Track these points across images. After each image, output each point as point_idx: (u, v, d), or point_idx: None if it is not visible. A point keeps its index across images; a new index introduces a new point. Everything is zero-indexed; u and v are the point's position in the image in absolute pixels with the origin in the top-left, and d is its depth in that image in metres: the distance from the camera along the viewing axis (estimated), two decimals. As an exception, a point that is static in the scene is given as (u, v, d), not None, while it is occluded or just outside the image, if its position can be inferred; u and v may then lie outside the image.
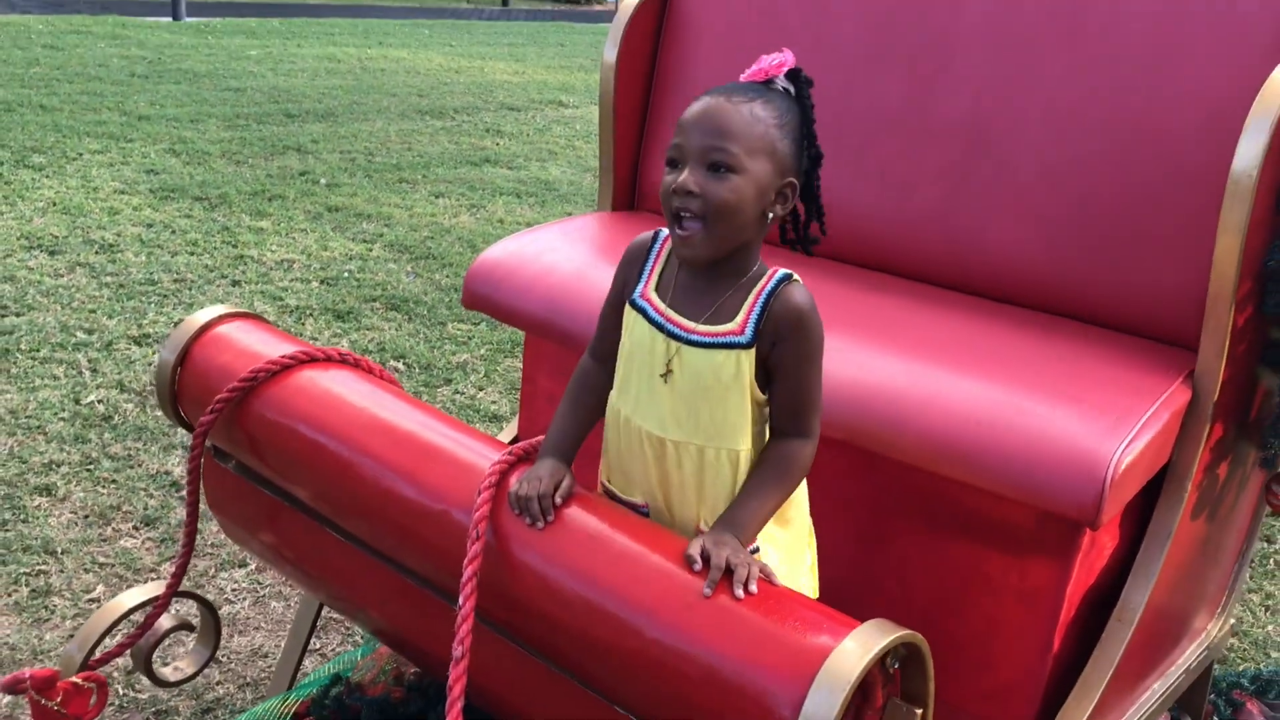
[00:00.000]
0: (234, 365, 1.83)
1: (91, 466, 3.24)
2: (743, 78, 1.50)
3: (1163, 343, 1.96)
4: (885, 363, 1.86)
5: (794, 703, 1.20)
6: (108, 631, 1.89)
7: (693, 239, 1.42)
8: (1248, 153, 1.73)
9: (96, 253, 5.07)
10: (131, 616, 1.96)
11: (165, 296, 4.61)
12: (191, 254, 5.19)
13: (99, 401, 3.63)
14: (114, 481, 3.18)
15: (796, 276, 1.50)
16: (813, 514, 1.74)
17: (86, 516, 3.00)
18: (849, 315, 2.00)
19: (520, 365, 4.26)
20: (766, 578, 1.37)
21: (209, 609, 2.06)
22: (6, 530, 2.90)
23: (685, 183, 1.40)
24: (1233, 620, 2.38)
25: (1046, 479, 1.63)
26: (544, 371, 2.39)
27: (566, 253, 2.26)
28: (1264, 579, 3.22)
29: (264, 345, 1.85)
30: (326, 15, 16.09)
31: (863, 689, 1.26)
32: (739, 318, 1.47)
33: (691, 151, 1.41)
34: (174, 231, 5.48)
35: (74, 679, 1.75)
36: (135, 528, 2.98)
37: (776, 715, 1.22)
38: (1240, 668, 2.76)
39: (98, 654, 1.89)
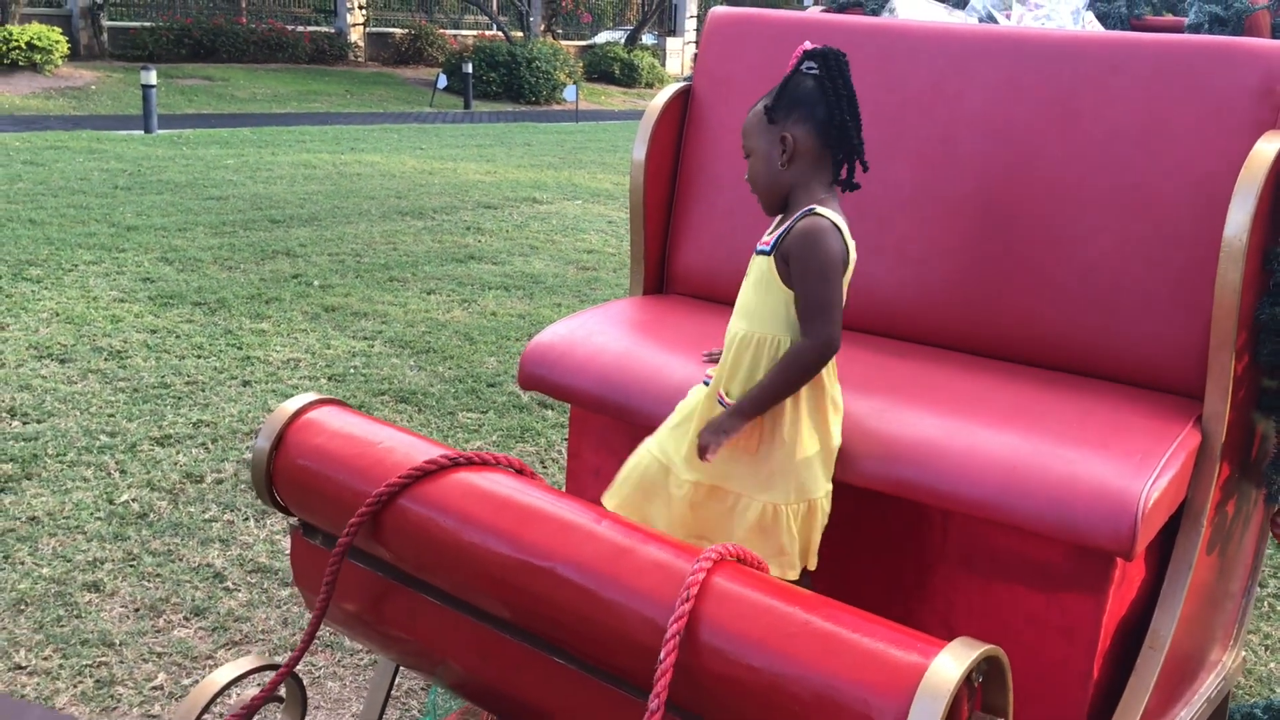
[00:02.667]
0: (329, 448, 1.97)
1: (134, 562, 3.34)
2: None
3: (1167, 392, 2.16)
4: (922, 420, 2.04)
5: (899, 715, 1.35)
6: (208, 706, 2.00)
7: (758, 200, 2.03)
8: (1237, 219, 1.95)
9: (106, 359, 5.19)
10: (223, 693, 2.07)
11: (180, 399, 4.73)
12: (199, 357, 5.32)
13: (133, 500, 3.73)
14: (158, 575, 3.28)
15: (821, 210, 1.91)
16: (861, 562, 1.93)
17: (137, 610, 3.10)
18: (883, 380, 2.19)
19: (531, 449, 4.42)
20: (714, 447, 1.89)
21: (297, 682, 2.17)
22: (63, 625, 2.99)
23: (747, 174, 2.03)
24: (1244, 652, 2.55)
25: (1084, 516, 1.81)
26: (590, 445, 2.55)
27: (612, 335, 2.44)
28: (1261, 620, 3.40)
29: (359, 429, 2.00)
30: (295, 124, 16.40)
31: (952, 704, 1.41)
32: (774, 235, 1.95)
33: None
34: (178, 336, 5.62)
35: (190, 749, 1.85)
36: (186, 618, 3.08)
37: (882, 727, 1.37)
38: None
39: (199, 727, 1.99)
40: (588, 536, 1.69)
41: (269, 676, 2.06)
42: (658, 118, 2.66)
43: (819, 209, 1.92)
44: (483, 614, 1.83)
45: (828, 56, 1.94)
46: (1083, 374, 2.25)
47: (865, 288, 2.46)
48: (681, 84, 2.73)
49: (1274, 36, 2.38)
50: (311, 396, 2.08)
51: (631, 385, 2.27)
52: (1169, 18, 2.64)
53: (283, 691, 2.21)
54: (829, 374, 1.96)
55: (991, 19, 2.61)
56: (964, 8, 2.69)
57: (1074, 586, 1.95)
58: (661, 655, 1.49)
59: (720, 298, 2.60)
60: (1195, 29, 2.44)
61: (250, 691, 2.14)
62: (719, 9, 2.77)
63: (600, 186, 11.84)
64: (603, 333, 2.45)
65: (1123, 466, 1.86)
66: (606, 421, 2.45)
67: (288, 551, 3.45)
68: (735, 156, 2.64)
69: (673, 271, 2.76)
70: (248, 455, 4.16)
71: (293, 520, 2.14)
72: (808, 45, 1.96)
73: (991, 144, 2.34)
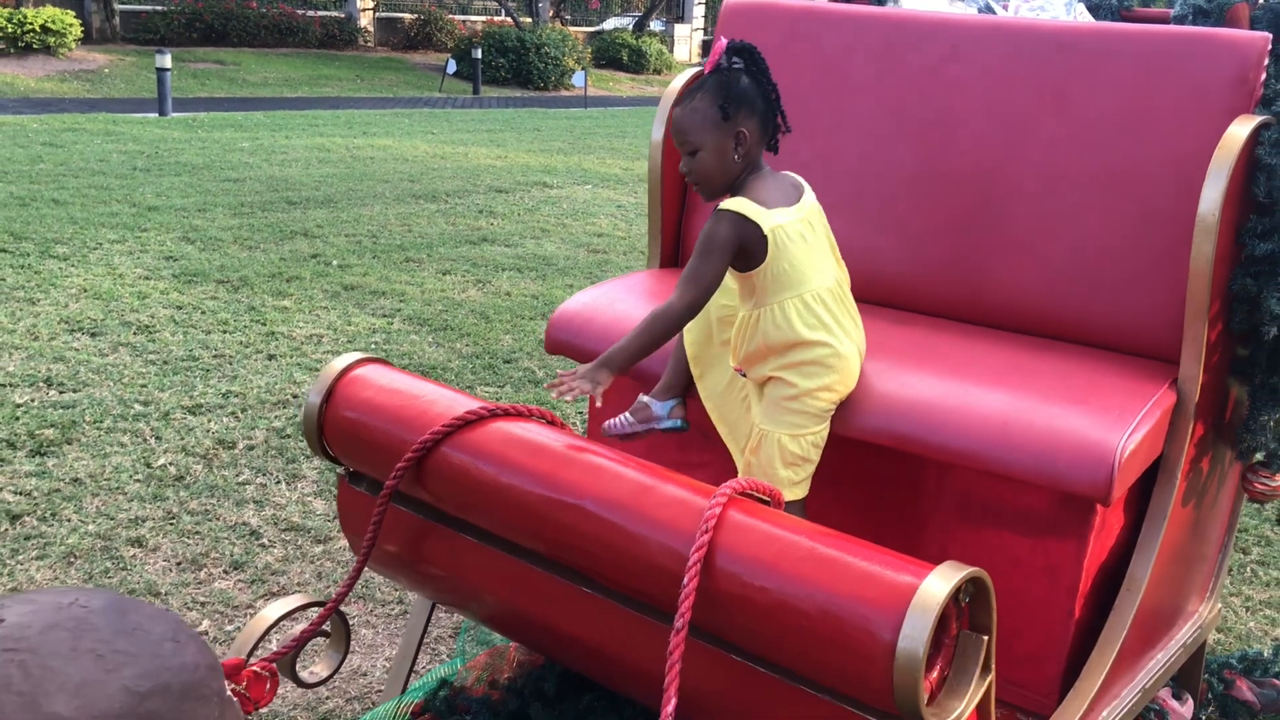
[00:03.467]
0: (377, 401, 2.15)
1: (174, 521, 3.53)
2: (705, 69, 2.13)
3: (1145, 357, 2.33)
4: (921, 381, 2.22)
5: (894, 627, 1.53)
6: (263, 637, 2.19)
7: (700, 194, 2.20)
8: (1210, 196, 2.12)
9: (135, 334, 5.38)
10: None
11: (209, 371, 4.92)
12: (225, 332, 5.51)
13: (169, 464, 3.92)
14: (198, 533, 3.47)
15: (729, 206, 2.08)
16: (862, 512, 2.12)
17: (180, 563, 3.29)
18: (884, 345, 2.36)
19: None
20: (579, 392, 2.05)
21: (341, 619, 2.35)
22: (110, 577, 3.18)
23: (681, 167, 2.17)
24: (1220, 604, 2.73)
25: (1066, 465, 1.99)
26: (609, 405, 2.73)
27: (632, 303, 2.61)
28: (1242, 584, 3.58)
29: (403, 384, 2.18)
30: (306, 108, 16.57)
31: (941, 621, 1.59)
32: None
33: (679, 148, 2.15)
34: (203, 312, 5.80)
35: (253, 667, 2.04)
36: (225, 571, 3.27)
37: (880, 639, 1.54)
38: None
39: (254, 659, 2.18)
40: (615, 476, 1.87)
41: (314, 614, 2.25)
42: (674, 102, 2.83)
43: (730, 203, 2.09)
44: (518, 549, 2.01)
45: (750, 50, 2.11)
46: (1068, 340, 2.42)
47: (869, 261, 2.64)
48: (697, 68, 2.89)
49: (1253, 28, 2.54)
50: (358, 355, 2.26)
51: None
52: (1156, 9, 2.80)
53: (328, 627, 2.40)
54: (808, 329, 2.14)
55: (990, 9, 2.78)
56: (965, 0, 2.86)
57: (1058, 532, 2.13)
58: (685, 580, 1.67)
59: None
60: (1180, 20, 2.60)
61: (298, 628, 2.32)
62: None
63: (609, 172, 12.00)
64: (623, 301, 2.63)
65: (1102, 421, 2.04)
66: (624, 382, 2.62)
67: (318, 512, 3.65)
68: (748, 138, 2.81)
69: (686, 246, 2.93)
70: (277, 424, 4.35)
71: (339, 470, 2.33)
72: (724, 41, 2.11)
73: (988, 127, 2.51)
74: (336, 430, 2.21)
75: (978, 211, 2.51)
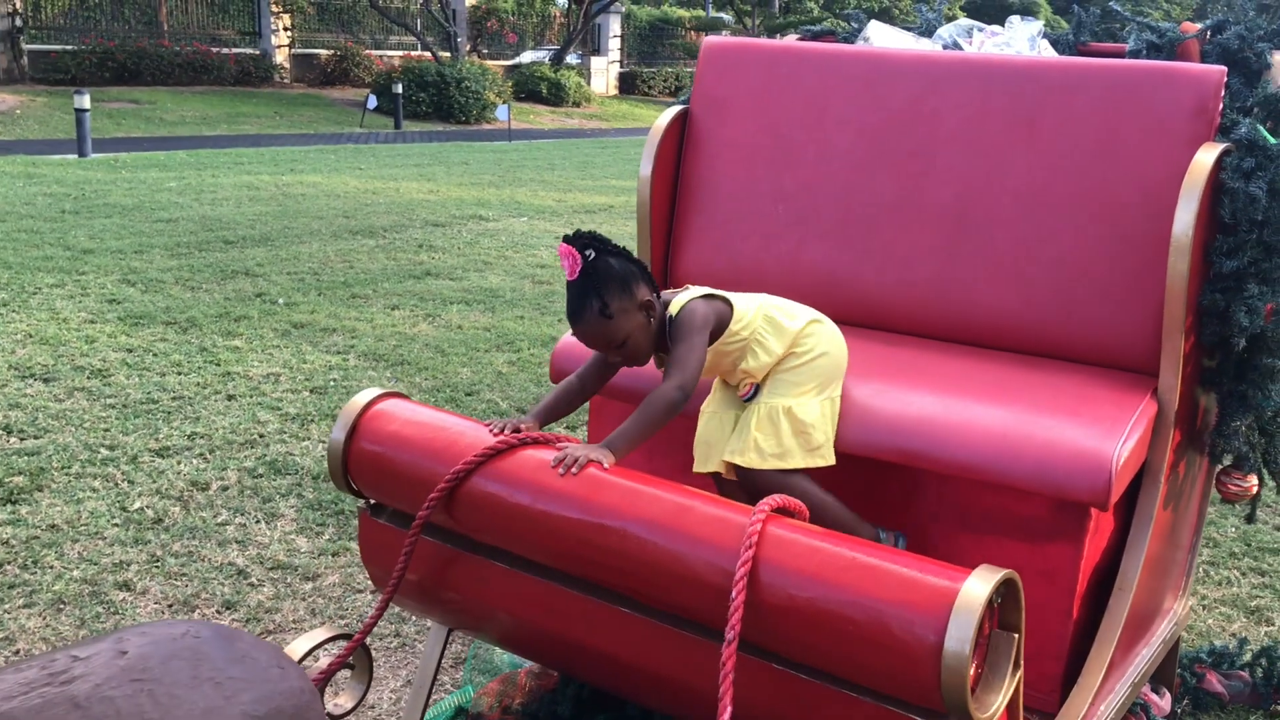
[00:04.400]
0: (403, 434, 2.21)
1: (159, 563, 3.52)
2: (567, 276, 2.18)
3: (1124, 370, 2.48)
4: (918, 398, 2.34)
5: (939, 629, 1.64)
6: (292, 670, 2.23)
7: (638, 364, 2.30)
8: (1183, 219, 2.28)
9: (88, 378, 5.32)
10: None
11: (170, 413, 4.89)
12: (179, 374, 5.47)
13: (146, 507, 3.91)
14: (184, 574, 3.46)
15: (683, 300, 2.27)
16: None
17: (171, 605, 3.28)
18: (878, 365, 2.48)
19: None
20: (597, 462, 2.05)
21: (365, 650, 2.40)
22: (103, 621, 3.17)
23: (612, 359, 2.30)
24: (1192, 601, 2.89)
25: (1065, 473, 2.12)
26: (609, 429, 2.81)
27: (631, 333, 2.70)
28: (1197, 584, 3.76)
29: (427, 417, 2.24)
30: (228, 146, 16.42)
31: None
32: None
33: (606, 349, 2.26)
34: (155, 354, 5.76)
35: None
36: (218, 611, 3.27)
37: (926, 641, 1.65)
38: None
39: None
40: (652, 499, 1.96)
41: (338, 646, 2.30)
42: (661, 137, 2.93)
43: (682, 298, 2.28)
44: (552, 573, 2.08)
45: (588, 235, 2.20)
46: (1049, 356, 2.56)
47: (854, 285, 2.77)
48: (680, 106, 3.01)
49: (1202, 61, 2.72)
50: (377, 391, 2.32)
51: (644, 376, 2.52)
52: (1111, 45, 2.97)
53: (351, 659, 2.44)
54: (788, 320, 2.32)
55: (956, 46, 2.93)
56: (930, 36, 3.01)
57: (1055, 537, 2.26)
58: (733, 594, 1.76)
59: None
60: (1135, 54, 2.78)
61: (322, 661, 2.36)
62: (713, 39, 3.06)
63: (543, 204, 12.09)
64: (622, 331, 2.71)
65: (1095, 431, 2.17)
66: (624, 408, 2.71)
67: (303, 549, 3.66)
68: (731, 171, 2.93)
69: (676, 274, 3.03)
70: (247, 464, 4.35)
71: (360, 504, 2.38)
72: (564, 243, 2.18)
73: (965, 156, 2.65)
74: (362, 464, 2.26)
75: (958, 236, 2.65)
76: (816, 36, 3.27)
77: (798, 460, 2.24)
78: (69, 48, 21.91)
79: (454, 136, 20.93)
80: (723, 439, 2.37)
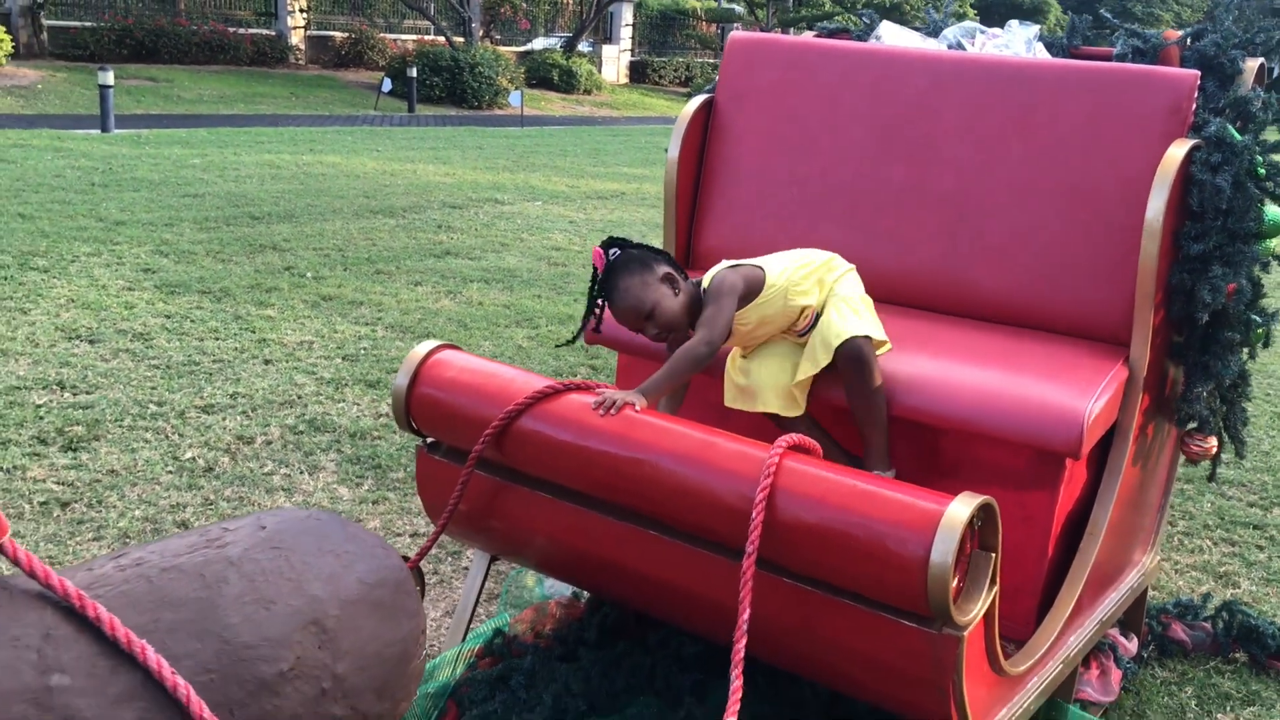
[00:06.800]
0: (460, 379, 2.51)
1: (213, 506, 3.83)
2: (599, 272, 2.57)
3: (1101, 341, 2.77)
4: (920, 362, 2.63)
5: (926, 544, 1.93)
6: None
7: (678, 336, 2.57)
8: (1155, 206, 2.57)
9: (131, 340, 5.62)
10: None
11: (211, 374, 5.19)
12: (217, 339, 5.77)
13: (197, 457, 4.21)
14: (238, 515, 3.76)
15: (713, 274, 2.58)
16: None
17: (227, 543, 3.58)
18: (886, 333, 2.77)
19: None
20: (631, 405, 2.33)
21: (419, 573, 2.69)
22: (166, 555, 3.47)
23: (649, 334, 2.58)
24: (1160, 557, 3.18)
25: (1045, 426, 2.41)
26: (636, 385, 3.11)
27: (658, 299, 2.99)
28: (1172, 551, 4.06)
29: (481, 365, 2.54)
30: (246, 125, 16.70)
31: (959, 541, 1.99)
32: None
33: (636, 325, 2.56)
34: (193, 321, 6.06)
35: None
36: (270, 550, 3.57)
37: (914, 554, 1.94)
38: (1163, 608, 3.56)
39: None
40: (680, 435, 2.25)
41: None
42: (688, 123, 3.22)
43: (710, 274, 2.60)
44: (591, 500, 2.38)
45: (615, 239, 2.58)
46: (1036, 328, 2.85)
47: (864, 264, 3.04)
48: (706, 95, 3.30)
49: (1182, 66, 3.01)
50: (435, 342, 2.62)
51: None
52: (1100, 48, 3.26)
53: (406, 581, 2.73)
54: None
55: (960, 46, 3.22)
56: (937, 36, 3.30)
57: (1033, 485, 2.55)
58: (753, 515, 2.06)
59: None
60: (1121, 58, 3.07)
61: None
62: (738, 34, 3.35)
63: (556, 189, 12.38)
64: (651, 298, 3.00)
65: (1071, 390, 2.47)
66: (651, 365, 3.00)
67: (345, 497, 3.96)
68: (753, 156, 3.22)
69: (698, 250, 3.32)
70: (288, 421, 4.65)
71: (419, 443, 2.67)
72: (599, 249, 2.57)
73: (965, 149, 2.94)
74: (423, 406, 2.56)
75: (958, 221, 2.94)
76: (832, 34, 3.56)
77: (877, 330, 2.57)
78: (88, 24, 22.19)
79: (466, 121, 21.19)
80: (781, 378, 2.66)
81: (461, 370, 2.55)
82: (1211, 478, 3.09)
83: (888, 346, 2.61)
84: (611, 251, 2.56)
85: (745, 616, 2.02)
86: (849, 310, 2.59)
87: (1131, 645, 3.10)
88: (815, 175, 3.12)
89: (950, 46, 3.27)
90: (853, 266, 2.74)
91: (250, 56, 24.32)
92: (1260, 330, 2.79)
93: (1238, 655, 3.29)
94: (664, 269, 2.55)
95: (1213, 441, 2.85)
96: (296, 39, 26.10)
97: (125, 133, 14.17)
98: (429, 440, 2.66)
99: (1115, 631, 3.11)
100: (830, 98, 3.13)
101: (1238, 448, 2.93)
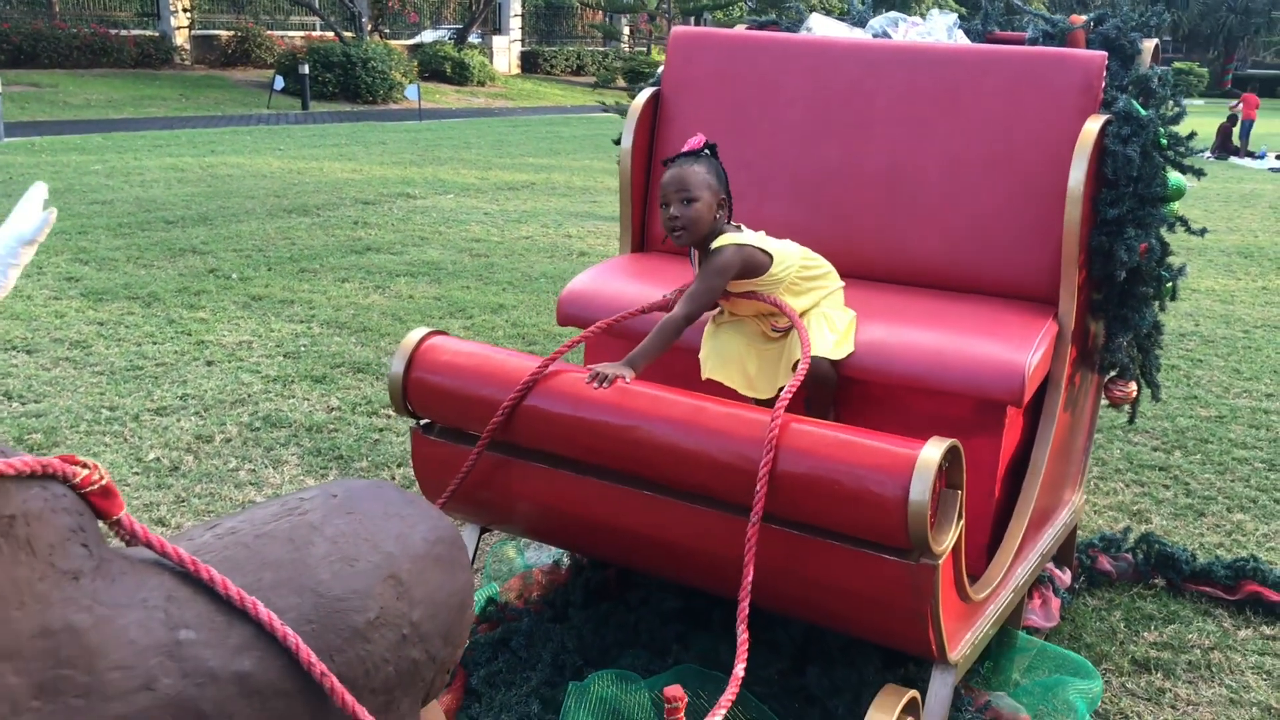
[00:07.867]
0: (456, 363, 2.68)
1: (186, 503, 3.92)
2: (684, 148, 2.72)
3: (1030, 300, 3.05)
4: (870, 328, 2.87)
5: (904, 485, 2.17)
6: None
7: (679, 240, 2.72)
8: (1076, 175, 2.85)
9: (69, 349, 5.63)
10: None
11: (157, 378, 5.24)
12: (155, 343, 5.81)
13: (160, 458, 4.29)
14: (212, 511, 3.87)
15: (722, 244, 2.69)
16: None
17: (206, 537, 3.69)
18: (834, 301, 3.01)
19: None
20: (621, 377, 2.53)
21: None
22: (149, 551, 3.57)
23: (672, 212, 2.69)
24: (1085, 495, 3.49)
25: (987, 378, 2.67)
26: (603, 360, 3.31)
27: (621, 281, 3.20)
28: (1092, 495, 4.40)
29: (474, 349, 2.71)
30: (138, 129, 16.40)
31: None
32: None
33: (673, 196, 2.68)
34: (126, 326, 6.07)
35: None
36: (250, 541, 3.69)
37: (895, 495, 2.18)
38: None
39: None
40: (672, 403, 2.47)
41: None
42: (638, 116, 3.43)
43: (726, 238, 2.74)
44: (589, 468, 2.58)
45: (714, 146, 2.78)
46: (969, 291, 3.12)
47: (806, 237, 3.28)
48: (652, 87, 3.50)
49: (1088, 48, 3.29)
50: (425, 330, 2.78)
51: (643, 317, 3.02)
52: (1013, 33, 3.54)
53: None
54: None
55: (885, 35, 3.47)
56: (863, 26, 3.55)
57: (979, 432, 2.81)
58: (760, 470, 2.27)
59: (683, 253, 3.37)
60: (1034, 42, 3.35)
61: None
62: (680, 28, 3.56)
63: (467, 182, 12.46)
64: (614, 280, 3.21)
65: (1010, 345, 2.73)
66: (619, 344, 3.21)
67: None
68: (700, 143, 3.43)
69: (651, 234, 3.53)
70: (243, 419, 4.74)
71: (413, 425, 2.84)
72: (701, 139, 2.77)
73: (897, 128, 3.19)
74: (420, 390, 2.72)
75: (892, 194, 3.19)
76: (762, 27, 3.79)
77: (847, 347, 2.77)
78: (-39, 30, 21.53)
79: (363, 117, 21.06)
80: (744, 358, 2.84)
81: (455, 354, 2.72)
82: (1132, 420, 3.40)
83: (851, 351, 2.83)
84: (709, 144, 2.76)
85: (749, 577, 2.24)
86: (828, 329, 2.79)
87: (1066, 577, 3.41)
88: (758, 158, 3.34)
89: (875, 35, 3.52)
90: (842, 285, 2.91)
91: (134, 58, 23.82)
92: (1169, 284, 3.10)
93: (1157, 581, 3.62)
94: (725, 193, 2.74)
95: (1133, 386, 3.16)
96: (181, 39, 25.61)
97: (18, 140, 13.86)
98: (423, 422, 2.83)
99: (1051, 565, 3.41)
100: (768, 85, 3.36)
101: (1154, 390, 3.25)
